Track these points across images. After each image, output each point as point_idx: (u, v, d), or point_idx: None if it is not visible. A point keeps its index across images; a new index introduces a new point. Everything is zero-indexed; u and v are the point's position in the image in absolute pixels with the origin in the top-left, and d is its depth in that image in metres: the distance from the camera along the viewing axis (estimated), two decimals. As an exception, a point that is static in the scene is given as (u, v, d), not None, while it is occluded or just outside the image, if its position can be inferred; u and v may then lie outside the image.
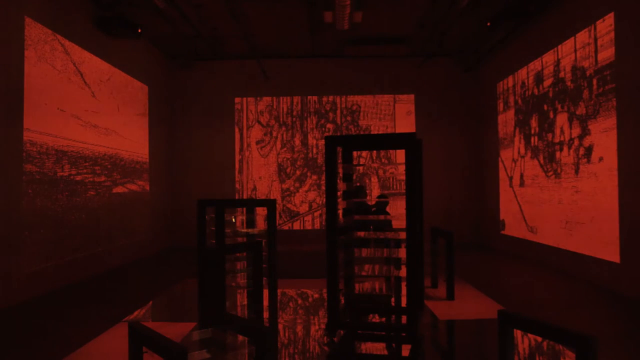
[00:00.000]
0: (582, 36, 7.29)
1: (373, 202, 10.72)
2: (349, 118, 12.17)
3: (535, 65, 8.97)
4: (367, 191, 11.24)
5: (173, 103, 12.13)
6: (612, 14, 6.52)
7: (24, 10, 6.37)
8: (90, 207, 8.04)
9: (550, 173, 8.38)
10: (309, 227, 12.02)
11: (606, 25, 6.65)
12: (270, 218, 5.29)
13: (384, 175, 12.01)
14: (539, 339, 4.39)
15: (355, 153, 9.84)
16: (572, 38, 7.58)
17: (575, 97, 7.51)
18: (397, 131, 11.91)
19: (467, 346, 4.70)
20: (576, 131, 7.49)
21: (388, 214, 5.91)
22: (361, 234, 5.02)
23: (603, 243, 6.69)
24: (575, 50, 7.52)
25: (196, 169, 12.11)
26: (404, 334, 4.21)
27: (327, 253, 4.21)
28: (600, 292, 6.36)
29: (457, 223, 11.27)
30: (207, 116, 12.15)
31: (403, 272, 4.60)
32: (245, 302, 5.90)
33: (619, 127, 6.37)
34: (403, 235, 4.25)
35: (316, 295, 6.44)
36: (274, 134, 12.24)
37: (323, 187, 11.74)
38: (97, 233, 8.25)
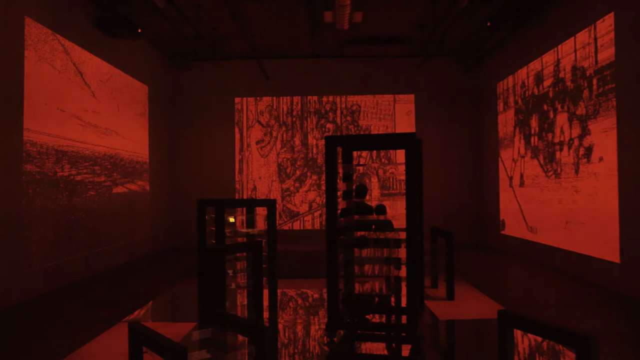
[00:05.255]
0: (582, 36, 7.29)
1: (373, 203, 10.70)
2: (349, 118, 12.17)
3: (535, 65, 8.97)
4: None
5: (173, 103, 12.13)
6: (612, 14, 6.52)
7: (24, 10, 6.37)
8: (90, 207, 8.04)
9: (550, 173, 8.38)
10: (309, 227, 12.02)
11: (606, 25, 6.65)
12: (270, 218, 5.28)
13: (384, 175, 12.01)
14: (539, 339, 4.39)
15: (355, 153, 9.84)
16: (572, 38, 7.58)
17: (575, 97, 7.52)
18: (397, 131, 11.91)
19: (467, 346, 4.70)
20: (576, 131, 7.49)
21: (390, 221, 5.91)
22: (361, 233, 5.01)
23: (603, 243, 6.69)
24: (575, 50, 7.52)
25: (196, 169, 12.11)
26: (404, 334, 4.20)
27: (327, 253, 4.21)
28: (600, 292, 6.36)
29: (457, 223, 11.27)
30: (207, 116, 12.15)
31: (403, 272, 4.60)
32: (245, 302, 5.90)
33: (619, 127, 6.37)
34: (403, 235, 4.25)
35: (316, 295, 6.44)
36: (274, 134, 12.24)
37: (323, 187, 11.74)
38: (97, 233, 8.25)
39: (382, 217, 5.80)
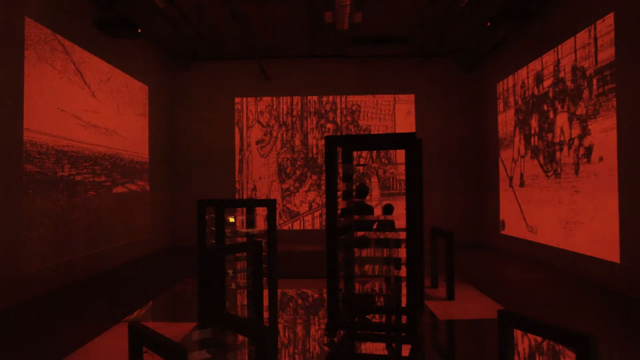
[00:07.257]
0: (582, 36, 7.29)
1: (373, 203, 10.71)
2: (349, 118, 12.17)
3: (535, 65, 8.97)
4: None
5: (173, 103, 12.13)
6: (612, 14, 6.52)
7: (24, 10, 6.37)
8: (90, 207, 8.04)
9: (550, 173, 8.38)
10: (309, 227, 12.02)
11: (606, 25, 6.65)
12: (270, 218, 5.28)
13: (384, 175, 12.01)
14: (539, 339, 4.39)
15: (355, 153, 9.84)
16: (572, 38, 7.58)
17: (575, 97, 7.51)
18: (397, 131, 11.91)
19: (467, 346, 4.70)
20: (576, 131, 7.49)
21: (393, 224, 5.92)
22: (362, 233, 5.01)
23: (603, 243, 6.69)
24: (575, 50, 7.52)
25: (196, 169, 12.11)
26: (404, 334, 4.20)
27: (327, 253, 4.21)
28: (600, 292, 6.36)
29: (457, 223, 11.26)
30: (207, 116, 12.15)
31: (403, 272, 4.59)
32: (245, 302, 5.90)
33: (619, 127, 6.36)
34: (403, 235, 4.25)
35: (316, 295, 6.44)
36: (274, 134, 12.23)
37: (323, 187, 11.74)
38: (97, 233, 8.25)
39: (384, 217, 5.80)
